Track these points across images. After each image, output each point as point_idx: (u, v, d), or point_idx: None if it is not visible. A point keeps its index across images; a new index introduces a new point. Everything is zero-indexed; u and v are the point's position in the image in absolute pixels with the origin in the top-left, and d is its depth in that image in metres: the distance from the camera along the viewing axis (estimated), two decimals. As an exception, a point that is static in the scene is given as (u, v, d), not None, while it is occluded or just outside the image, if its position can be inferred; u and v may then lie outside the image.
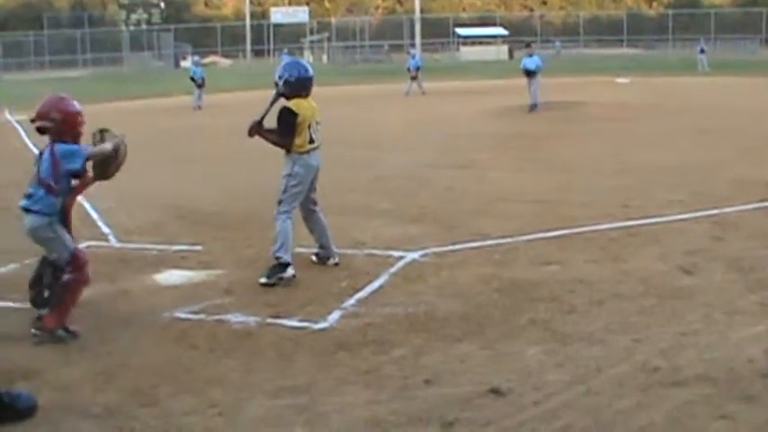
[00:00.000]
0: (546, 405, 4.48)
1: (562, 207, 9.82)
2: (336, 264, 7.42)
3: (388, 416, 4.40)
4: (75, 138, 5.79)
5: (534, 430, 4.20)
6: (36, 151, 6.00)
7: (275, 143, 7.12)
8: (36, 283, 6.06)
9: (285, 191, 7.08)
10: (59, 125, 5.70)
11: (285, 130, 7.02)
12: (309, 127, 7.07)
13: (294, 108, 7.02)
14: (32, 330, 5.69)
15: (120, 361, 5.29)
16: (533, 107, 22.85)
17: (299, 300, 6.48)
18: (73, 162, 5.68)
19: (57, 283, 5.77)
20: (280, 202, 7.08)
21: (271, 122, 7.13)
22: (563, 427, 4.22)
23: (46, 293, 5.94)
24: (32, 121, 5.77)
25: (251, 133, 7.14)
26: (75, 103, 5.89)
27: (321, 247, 7.47)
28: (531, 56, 23.58)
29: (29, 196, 5.72)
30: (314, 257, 7.46)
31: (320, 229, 7.42)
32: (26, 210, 5.72)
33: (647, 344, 5.33)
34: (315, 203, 7.36)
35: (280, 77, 7.08)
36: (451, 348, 5.37)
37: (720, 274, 6.89)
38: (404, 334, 5.65)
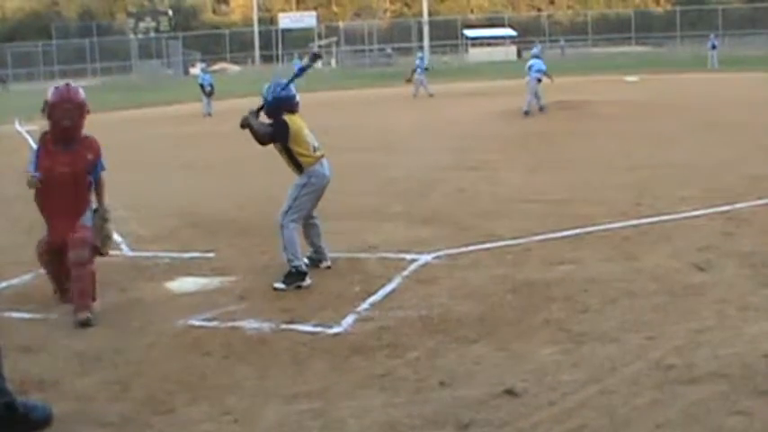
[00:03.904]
0: (561, 405, 4.47)
1: (574, 206, 9.81)
2: (329, 267, 7.45)
3: (403, 418, 4.40)
4: None
5: (550, 430, 4.19)
6: None
7: (259, 136, 7.18)
8: None
9: (296, 199, 7.11)
10: None
11: (278, 132, 7.14)
12: (305, 136, 7.22)
13: (288, 120, 7.17)
14: None
15: (135, 370, 5.31)
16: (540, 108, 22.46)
17: (312, 305, 6.49)
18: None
19: None
20: (288, 210, 7.10)
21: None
22: (578, 426, 4.22)
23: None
24: None
25: (243, 124, 7.17)
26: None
27: (315, 251, 7.50)
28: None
29: None
30: (306, 260, 7.35)
31: (315, 234, 7.47)
32: None
33: (661, 341, 5.32)
34: (313, 215, 7.44)
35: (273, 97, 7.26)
36: (466, 350, 5.37)
37: (733, 270, 6.87)
38: (418, 336, 5.65)
